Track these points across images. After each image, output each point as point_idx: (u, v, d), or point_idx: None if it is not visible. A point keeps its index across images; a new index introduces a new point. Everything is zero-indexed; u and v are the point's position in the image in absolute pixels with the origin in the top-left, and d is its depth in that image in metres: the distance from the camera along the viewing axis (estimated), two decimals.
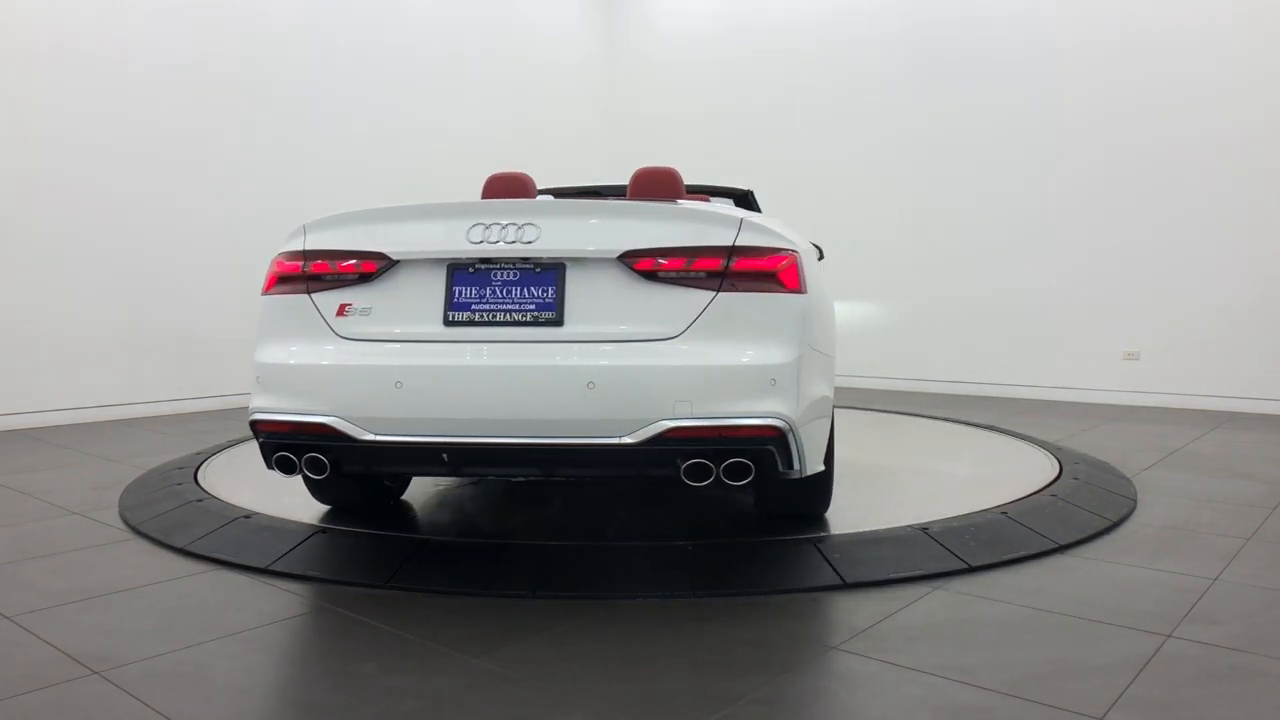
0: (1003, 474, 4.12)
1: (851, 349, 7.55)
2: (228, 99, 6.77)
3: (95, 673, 2.09)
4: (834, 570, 2.72)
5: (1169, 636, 2.29)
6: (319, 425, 2.54)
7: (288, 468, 2.66)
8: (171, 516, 3.37)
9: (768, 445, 2.42)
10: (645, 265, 2.49)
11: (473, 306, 2.56)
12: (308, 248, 2.74)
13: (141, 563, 2.96)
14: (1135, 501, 3.69)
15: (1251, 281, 6.46)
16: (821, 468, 2.75)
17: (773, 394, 2.41)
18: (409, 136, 7.88)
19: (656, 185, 3.31)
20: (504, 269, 2.57)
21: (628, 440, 2.39)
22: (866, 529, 3.06)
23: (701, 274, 2.48)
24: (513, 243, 2.53)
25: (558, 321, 2.51)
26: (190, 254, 6.53)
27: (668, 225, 2.55)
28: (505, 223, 2.55)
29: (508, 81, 8.74)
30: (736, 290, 2.48)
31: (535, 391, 2.45)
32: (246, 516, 3.28)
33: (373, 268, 2.63)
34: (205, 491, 3.64)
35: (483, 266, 2.58)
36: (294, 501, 3.45)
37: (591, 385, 2.41)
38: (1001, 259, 7.53)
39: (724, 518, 3.31)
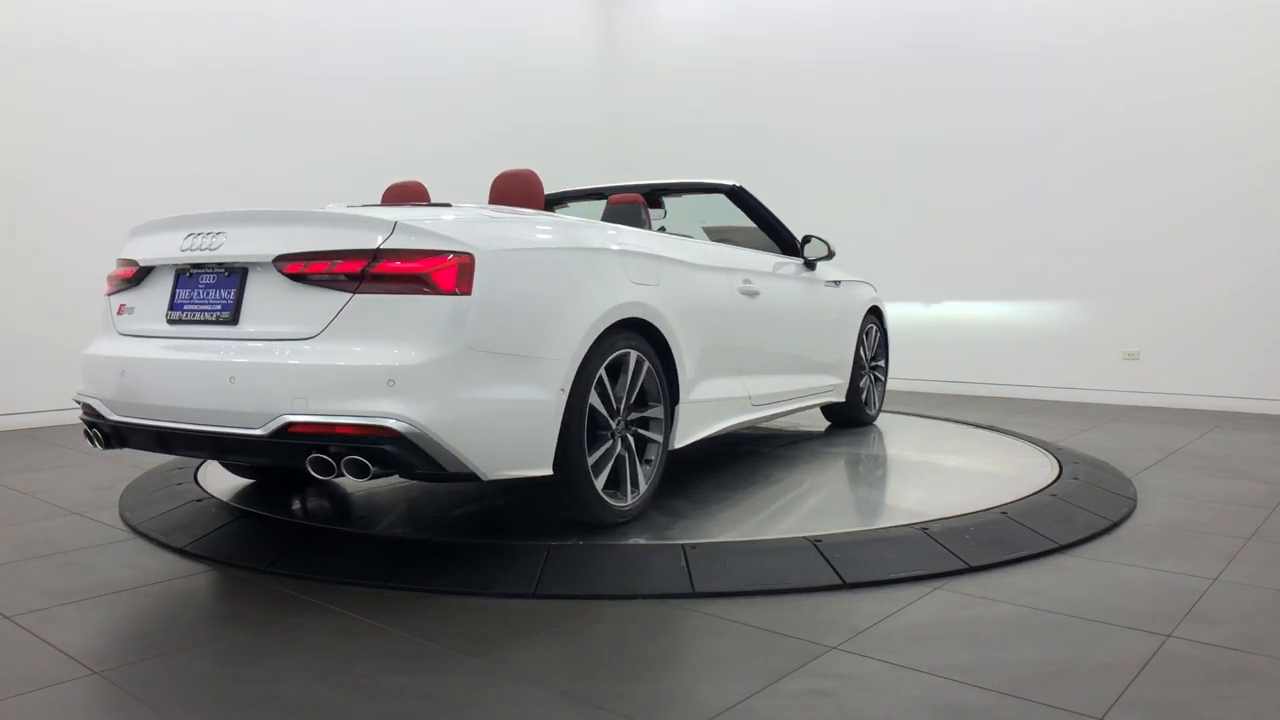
0: (1002, 474, 4.11)
1: None
2: (228, 102, 6.77)
3: (95, 673, 2.09)
4: (834, 570, 2.72)
5: (1169, 636, 2.29)
6: (88, 405, 2.96)
7: (89, 439, 3.01)
8: (171, 516, 3.37)
9: (383, 445, 2.44)
10: (294, 269, 2.63)
11: (184, 307, 2.85)
12: (119, 256, 3.15)
13: (141, 563, 2.97)
14: (1135, 501, 3.69)
15: (1251, 281, 6.47)
16: (532, 472, 2.73)
17: (391, 395, 2.44)
18: (410, 138, 7.87)
19: (513, 189, 3.49)
20: (208, 273, 2.82)
21: (258, 432, 2.53)
22: (866, 529, 3.07)
23: (342, 276, 2.57)
24: (204, 250, 2.80)
25: (233, 321, 2.73)
26: None
27: (317, 230, 2.67)
28: (206, 231, 2.82)
29: (508, 81, 8.74)
30: (375, 292, 2.54)
31: (199, 383, 2.67)
32: (246, 516, 3.28)
33: (131, 273, 3.02)
34: (205, 491, 3.64)
35: (195, 271, 2.86)
36: (294, 501, 3.45)
37: (233, 380, 2.59)
38: (1001, 258, 7.53)
39: (723, 518, 3.31)
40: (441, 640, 2.29)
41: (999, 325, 7.56)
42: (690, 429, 3.48)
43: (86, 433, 3.00)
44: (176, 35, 6.49)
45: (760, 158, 8.60)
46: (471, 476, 2.59)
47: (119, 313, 3.04)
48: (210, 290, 2.80)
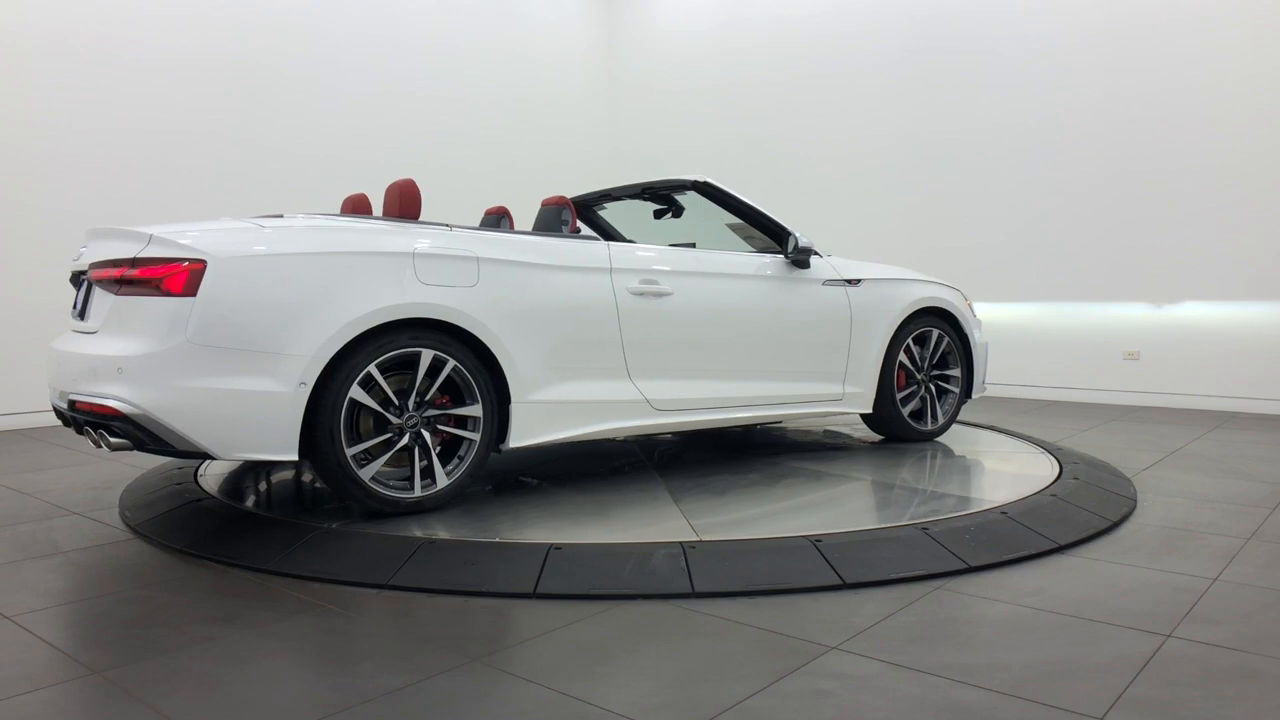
0: (1003, 474, 4.12)
1: None
2: (227, 100, 6.78)
3: (95, 672, 2.10)
4: (834, 570, 2.72)
5: (1169, 636, 2.29)
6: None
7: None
8: (171, 516, 3.37)
9: (112, 421, 2.93)
10: (95, 275, 3.13)
11: (76, 305, 3.40)
12: None
13: (141, 563, 2.97)
14: (1135, 501, 3.69)
15: (1251, 281, 6.47)
16: (273, 456, 2.99)
17: (119, 380, 2.90)
18: (410, 145, 7.88)
19: (393, 198, 3.71)
20: (83, 279, 3.34)
21: (63, 405, 3.14)
22: (866, 529, 3.07)
23: (114, 281, 3.04)
24: (79, 260, 3.33)
25: (83, 318, 3.30)
26: None
27: (110, 244, 3.15)
28: (84, 245, 3.37)
29: (506, 81, 8.74)
30: (128, 294, 3.01)
31: (57, 368, 3.22)
32: (246, 516, 3.28)
33: (71, 276, 3.53)
34: (205, 491, 3.65)
35: (81, 277, 3.38)
36: (294, 501, 3.45)
37: (60, 365, 3.19)
38: (1001, 258, 7.53)
39: (722, 517, 3.31)
40: (441, 640, 2.29)
41: (999, 325, 7.55)
42: (535, 429, 3.50)
43: None
44: (177, 35, 6.49)
45: (762, 163, 8.61)
46: (206, 455, 2.95)
47: (72, 308, 3.52)
48: (82, 293, 3.36)
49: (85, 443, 5.26)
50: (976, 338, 4.99)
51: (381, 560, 2.82)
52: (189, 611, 2.54)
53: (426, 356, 3.22)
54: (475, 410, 3.35)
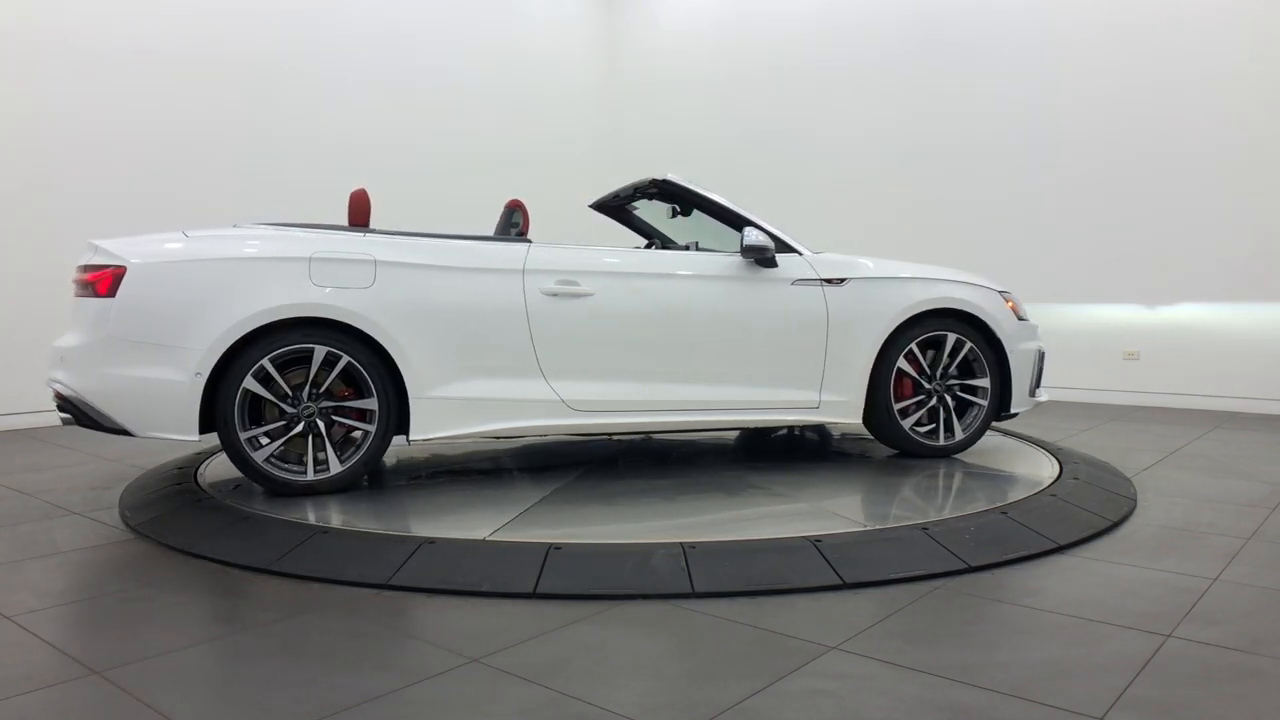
0: (1003, 474, 4.11)
1: None
2: (229, 98, 6.78)
3: (95, 672, 2.10)
4: (834, 570, 2.72)
5: (1169, 636, 2.29)
6: None
7: None
8: (171, 516, 3.37)
9: (59, 402, 3.46)
10: (72, 281, 3.57)
11: None
12: None
13: (141, 563, 2.97)
14: (1135, 501, 3.70)
15: (1252, 281, 6.47)
16: (179, 436, 3.37)
17: (62, 367, 3.44)
18: (407, 138, 7.87)
19: (350, 207, 3.98)
20: None
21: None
22: (866, 529, 3.07)
23: (77, 285, 3.52)
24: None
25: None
26: None
27: (84, 254, 3.56)
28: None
29: (507, 80, 8.74)
30: (78, 296, 3.50)
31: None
32: (246, 517, 3.28)
33: None
34: (205, 491, 3.65)
35: None
36: (294, 501, 3.45)
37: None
38: (1000, 258, 7.52)
39: (723, 516, 3.31)
40: (441, 640, 2.29)
41: None
42: (437, 423, 3.65)
43: None
44: (182, 36, 6.49)
45: (762, 160, 8.61)
46: (128, 432, 3.38)
47: None
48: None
49: (85, 443, 5.30)
50: (1017, 344, 4.38)
51: (381, 560, 2.82)
52: (189, 611, 2.54)
53: (319, 352, 3.49)
54: (371, 403, 3.57)
